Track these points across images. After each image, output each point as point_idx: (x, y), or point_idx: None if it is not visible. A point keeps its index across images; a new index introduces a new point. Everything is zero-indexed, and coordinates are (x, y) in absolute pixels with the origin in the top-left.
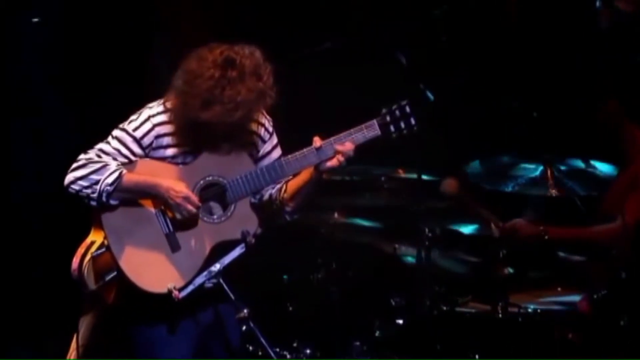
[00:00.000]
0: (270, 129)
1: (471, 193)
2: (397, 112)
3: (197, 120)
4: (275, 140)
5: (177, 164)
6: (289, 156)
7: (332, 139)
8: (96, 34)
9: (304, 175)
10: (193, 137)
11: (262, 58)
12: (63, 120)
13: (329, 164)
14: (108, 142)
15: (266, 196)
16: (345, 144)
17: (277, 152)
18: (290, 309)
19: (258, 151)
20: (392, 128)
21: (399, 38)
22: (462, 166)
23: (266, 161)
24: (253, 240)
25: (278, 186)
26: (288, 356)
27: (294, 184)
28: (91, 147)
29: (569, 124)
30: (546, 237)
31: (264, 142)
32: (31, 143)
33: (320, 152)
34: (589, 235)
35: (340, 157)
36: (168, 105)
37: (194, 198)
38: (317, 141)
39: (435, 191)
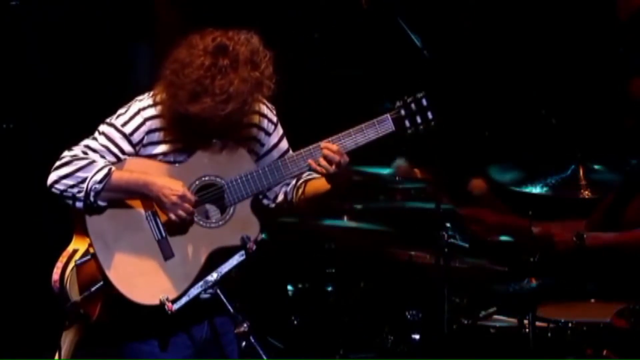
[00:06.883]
0: (275, 119)
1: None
2: (413, 105)
3: (186, 114)
4: (280, 130)
5: (169, 162)
6: (294, 153)
7: (340, 134)
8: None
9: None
10: (184, 132)
11: (260, 44)
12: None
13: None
14: (95, 139)
15: (281, 196)
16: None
17: (285, 144)
18: (295, 323)
19: (262, 145)
20: (407, 123)
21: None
22: (485, 167)
23: (275, 154)
24: (254, 247)
25: (293, 183)
26: None
27: (316, 186)
28: (75, 143)
29: (602, 122)
30: (584, 244)
31: (269, 134)
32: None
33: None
34: (634, 240)
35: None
36: (158, 98)
37: (191, 197)
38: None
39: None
